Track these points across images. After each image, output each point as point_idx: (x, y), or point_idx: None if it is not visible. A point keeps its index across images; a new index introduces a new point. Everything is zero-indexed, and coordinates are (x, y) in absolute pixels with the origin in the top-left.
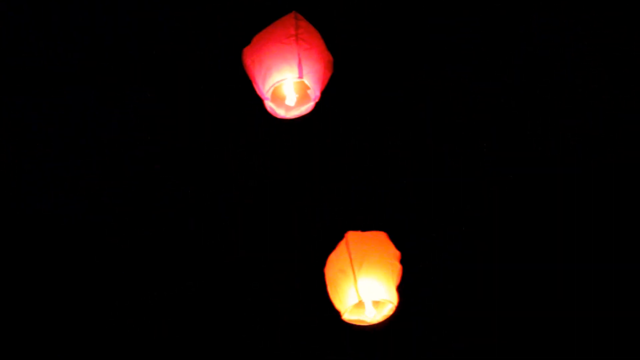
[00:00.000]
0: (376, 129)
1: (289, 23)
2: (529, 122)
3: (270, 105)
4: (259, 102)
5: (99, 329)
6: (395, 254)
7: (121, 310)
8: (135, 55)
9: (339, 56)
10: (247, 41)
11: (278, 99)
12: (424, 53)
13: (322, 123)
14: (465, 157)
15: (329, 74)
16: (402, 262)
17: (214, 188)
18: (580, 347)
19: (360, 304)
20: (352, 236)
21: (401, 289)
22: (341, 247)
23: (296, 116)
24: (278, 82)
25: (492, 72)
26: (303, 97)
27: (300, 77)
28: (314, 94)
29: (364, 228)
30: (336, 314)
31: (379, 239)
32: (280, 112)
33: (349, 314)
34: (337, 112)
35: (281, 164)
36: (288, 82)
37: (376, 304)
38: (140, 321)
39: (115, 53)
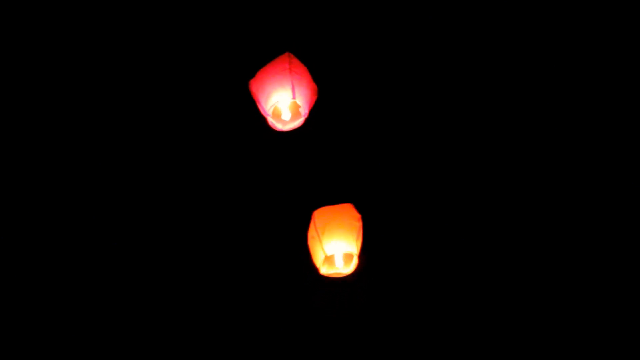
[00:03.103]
0: (376, 129)
1: (284, 60)
2: (529, 122)
3: (271, 120)
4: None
5: (99, 329)
6: (356, 216)
7: (121, 310)
8: (135, 55)
9: (339, 56)
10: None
11: (276, 116)
12: (424, 53)
13: (322, 123)
14: (465, 157)
15: (314, 99)
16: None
17: (214, 188)
18: (581, 347)
19: (328, 259)
20: (317, 212)
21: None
22: (311, 222)
23: (290, 129)
24: (277, 102)
25: (492, 72)
26: (295, 115)
27: (294, 97)
28: (304, 111)
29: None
30: (315, 270)
31: (342, 208)
32: (278, 126)
33: (326, 269)
34: (337, 112)
35: (280, 163)
36: (284, 102)
37: (347, 258)
38: (140, 321)
39: (115, 53)
